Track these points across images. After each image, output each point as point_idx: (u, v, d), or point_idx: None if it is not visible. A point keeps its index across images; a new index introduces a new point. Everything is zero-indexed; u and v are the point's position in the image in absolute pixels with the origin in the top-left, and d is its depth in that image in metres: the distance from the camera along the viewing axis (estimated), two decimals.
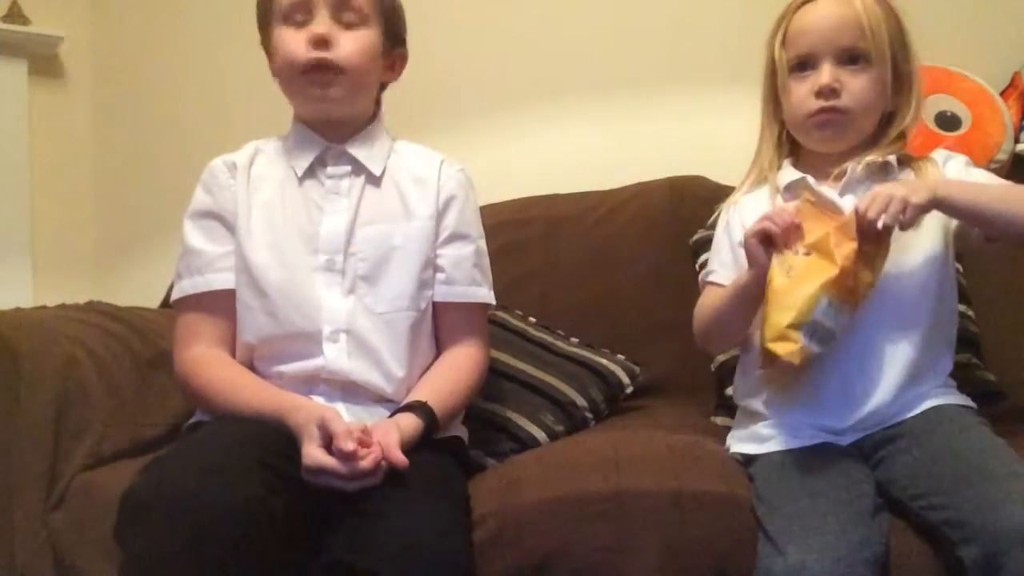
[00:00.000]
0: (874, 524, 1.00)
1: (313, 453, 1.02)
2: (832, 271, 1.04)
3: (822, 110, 1.18)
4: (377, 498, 1.02)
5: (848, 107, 1.17)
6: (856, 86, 1.17)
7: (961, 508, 0.96)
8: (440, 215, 1.31)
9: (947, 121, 1.75)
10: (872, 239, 1.06)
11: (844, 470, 1.07)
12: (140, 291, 1.96)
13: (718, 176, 1.76)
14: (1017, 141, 1.77)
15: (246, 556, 0.93)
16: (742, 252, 1.15)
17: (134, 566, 0.96)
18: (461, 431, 1.30)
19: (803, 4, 1.21)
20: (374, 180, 1.31)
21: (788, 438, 1.14)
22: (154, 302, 1.78)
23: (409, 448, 1.08)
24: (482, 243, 1.36)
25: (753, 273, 1.13)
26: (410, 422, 1.14)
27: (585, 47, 2.09)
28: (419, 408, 1.17)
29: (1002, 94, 1.82)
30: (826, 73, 1.17)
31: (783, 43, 1.21)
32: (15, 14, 2.17)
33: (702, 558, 1.05)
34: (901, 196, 1.04)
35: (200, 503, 0.92)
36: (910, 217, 1.04)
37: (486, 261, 1.36)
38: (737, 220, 1.27)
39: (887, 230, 1.06)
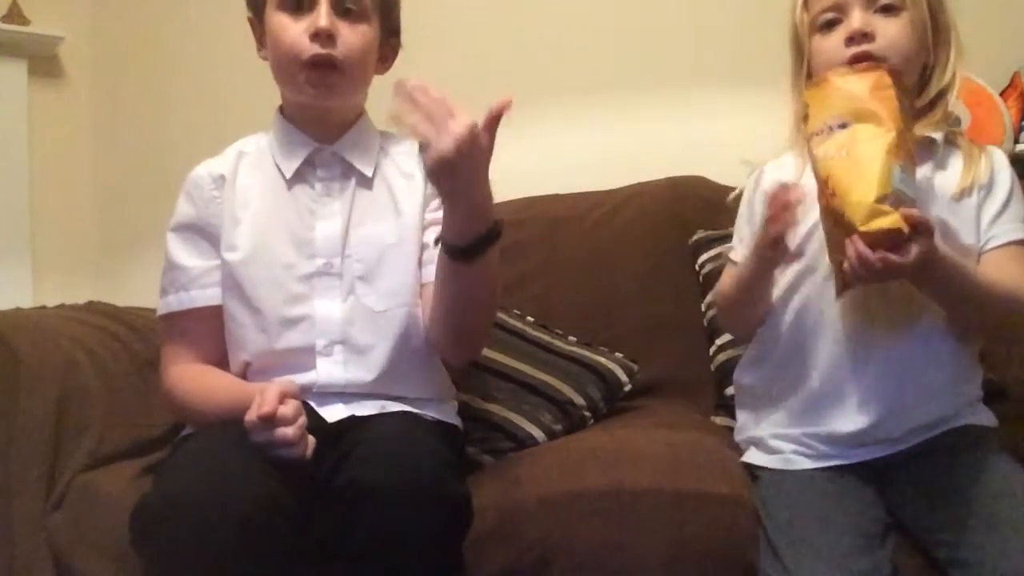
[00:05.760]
0: (882, 550, 0.99)
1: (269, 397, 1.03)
2: (889, 135, 0.96)
3: (855, 57, 1.06)
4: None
5: (884, 53, 1.06)
6: (890, 30, 1.07)
7: (972, 551, 0.95)
8: (426, 203, 1.27)
9: None
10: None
11: (856, 493, 1.05)
12: (140, 291, 1.94)
13: (718, 176, 1.76)
14: (1017, 141, 1.77)
15: (262, 552, 0.95)
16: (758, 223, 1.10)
17: (156, 573, 0.98)
18: (456, 421, 1.29)
19: None
20: (366, 181, 1.28)
21: (800, 457, 1.11)
22: (154, 302, 1.76)
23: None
24: None
25: (755, 267, 1.09)
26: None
27: (586, 48, 2.09)
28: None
29: (1002, 94, 1.82)
30: (856, 18, 1.07)
31: (804, 4, 1.13)
32: (15, 14, 2.17)
33: (702, 556, 1.05)
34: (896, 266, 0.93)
35: (211, 505, 0.93)
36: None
37: None
38: (760, 192, 1.20)
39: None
